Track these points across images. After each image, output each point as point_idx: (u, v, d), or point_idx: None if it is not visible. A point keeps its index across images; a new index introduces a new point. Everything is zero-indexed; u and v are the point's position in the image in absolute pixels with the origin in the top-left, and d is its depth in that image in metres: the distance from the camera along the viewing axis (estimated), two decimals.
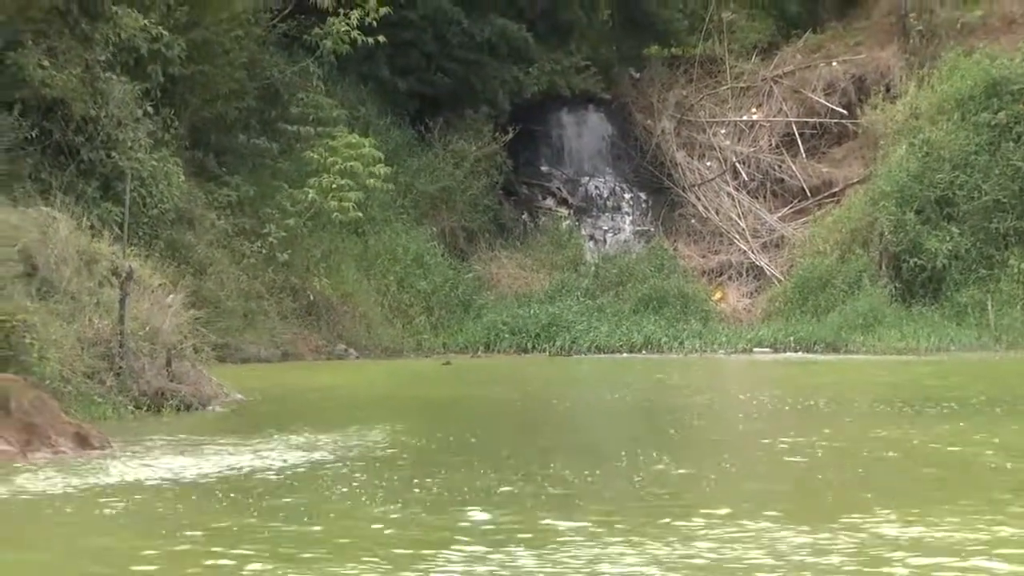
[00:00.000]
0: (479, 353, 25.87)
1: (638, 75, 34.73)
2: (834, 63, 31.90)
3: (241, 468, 7.89)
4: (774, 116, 31.83)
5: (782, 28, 34.83)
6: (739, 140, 31.98)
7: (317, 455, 8.60)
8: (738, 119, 32.34)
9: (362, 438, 9.77)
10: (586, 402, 15.45)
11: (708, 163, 32.02)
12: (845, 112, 30.77)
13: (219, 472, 7.74)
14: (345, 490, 6.90)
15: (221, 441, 9.47)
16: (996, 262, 24.80)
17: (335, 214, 22.81)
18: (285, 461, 8.26)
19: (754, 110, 32.27)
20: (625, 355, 25.32)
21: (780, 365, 22.81)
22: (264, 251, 22.98)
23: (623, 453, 8.83)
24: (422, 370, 21.79)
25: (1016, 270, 24.24)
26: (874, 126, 28.85)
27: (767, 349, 25.10)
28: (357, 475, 7.59)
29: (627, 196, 32.65)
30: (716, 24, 33.84)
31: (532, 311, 27.28)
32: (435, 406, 14.25)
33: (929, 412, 11.52)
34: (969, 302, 24.27)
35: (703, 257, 30.31)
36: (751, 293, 29.20)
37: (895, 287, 25.28)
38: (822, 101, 31.24)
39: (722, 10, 34.10)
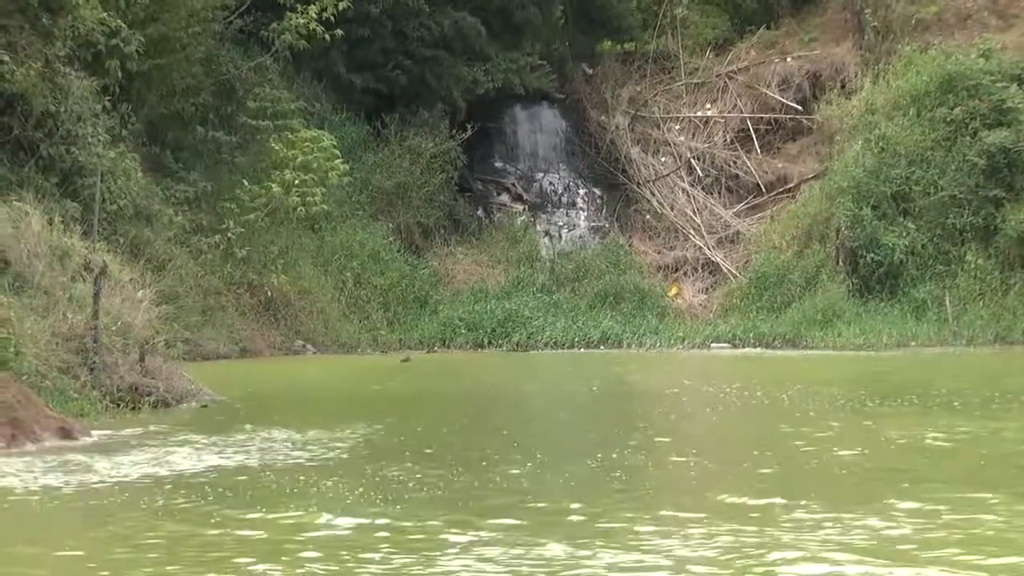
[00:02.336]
0: (435, 349, 26.02)
1: (592, 72, 34.96)
2: (789, 59, 32.33)
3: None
4: (729, 112, 32.16)
5: (737, 24, 35.27)
6: (694, 136, 32.30)
7: (298, 453, 8.81)
8: (692, 115, 32.63)
9: (352, 432, 10.01)
10: (550, 396, 15.84)
11: (663, 159, 32.29)
12: (800, 108, 31.16)
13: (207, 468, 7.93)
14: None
15: (202, 439, 9.54)
16: (953, 258, 24.92)
17: (299, 209, 22.80)
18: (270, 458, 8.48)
19: (708, 106, 32.57)
20: (582, 350, 25.65)
21: (740, 360, 23.24)
22: (222, 247, 22.87)
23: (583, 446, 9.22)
24: (381, 365, 21.97)
25: (973, 266, 24.42)
26: (829, 122, 29.16)
27: (725, 345, 25.34)
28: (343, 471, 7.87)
29: (582, 192, 32.86)
30: (670, 20, 34.08)
31: (488, 307, 27.41)
32: (416, 402, 14.39)
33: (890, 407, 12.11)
34: (927, 297, 24.37)
35: (658, 253, 30.62)
36: (707, 289, 29.50)
37: (852, 282, 25.29)
38: (777, 97, 31.66)
39: (675, 6, 34.33)
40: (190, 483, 7.20)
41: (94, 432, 9.37)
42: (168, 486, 7.08)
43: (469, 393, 15.91)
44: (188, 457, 8.44)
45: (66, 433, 8.95)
